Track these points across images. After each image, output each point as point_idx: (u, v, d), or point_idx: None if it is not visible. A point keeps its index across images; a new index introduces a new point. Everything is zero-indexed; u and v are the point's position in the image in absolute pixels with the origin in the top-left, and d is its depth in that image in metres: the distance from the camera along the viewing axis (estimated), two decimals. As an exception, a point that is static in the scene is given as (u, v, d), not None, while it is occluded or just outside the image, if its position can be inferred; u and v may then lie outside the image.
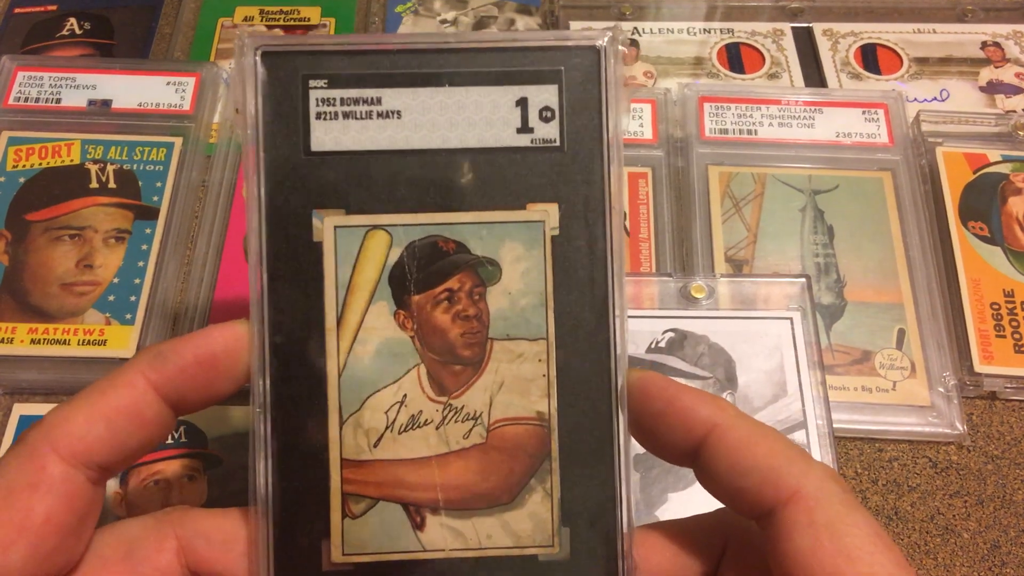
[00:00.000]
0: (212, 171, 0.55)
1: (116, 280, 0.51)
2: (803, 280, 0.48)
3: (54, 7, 0.65)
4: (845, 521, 0.23)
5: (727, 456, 0.25)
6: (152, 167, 0.55)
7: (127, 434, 0.25)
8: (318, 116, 0.27)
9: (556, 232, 0.27)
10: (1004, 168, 0.55)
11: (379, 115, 0.27)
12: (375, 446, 0.27)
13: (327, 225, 0.27)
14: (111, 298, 0.50)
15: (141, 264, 0.51)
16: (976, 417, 0.48)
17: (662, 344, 0.47)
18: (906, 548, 0.44)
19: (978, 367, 0.48)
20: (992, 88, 0.61)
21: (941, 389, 0.48)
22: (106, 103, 0.57)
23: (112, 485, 0.45)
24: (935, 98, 0.61)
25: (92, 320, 0.50)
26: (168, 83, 0.58)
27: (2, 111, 0.57)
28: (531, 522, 0.27)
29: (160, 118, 0.57)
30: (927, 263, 0.51)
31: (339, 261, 0.27)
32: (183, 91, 0.58)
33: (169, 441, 0.46)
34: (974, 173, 0.55)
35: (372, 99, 0.27)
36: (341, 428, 0.27)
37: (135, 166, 0.55)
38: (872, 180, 0.55)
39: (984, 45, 0.63)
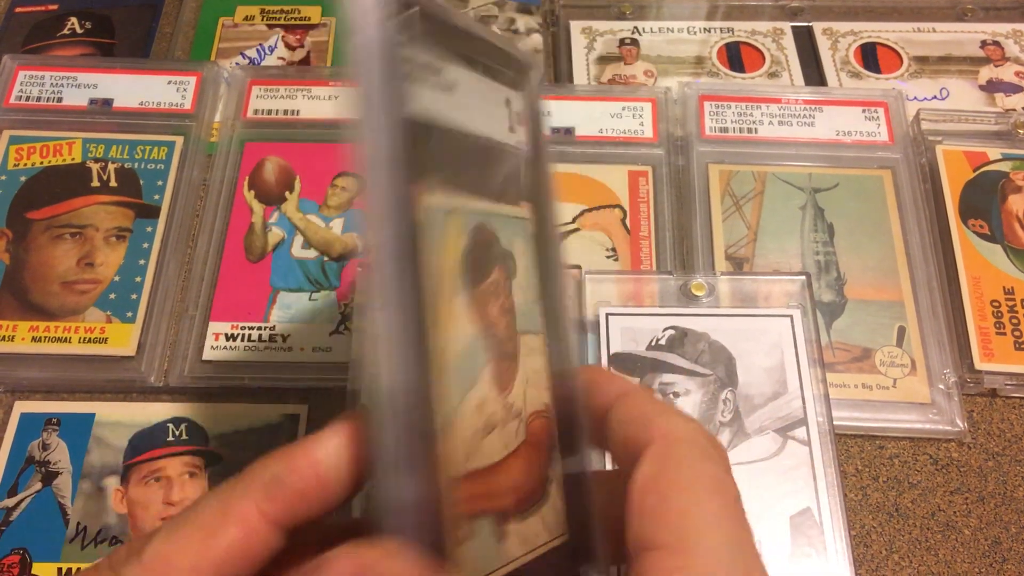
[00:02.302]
0: (213, 170, 0.55)
1: (117, 278, 0.51)
2: (803, 278, 0.48)
3: (55, 6, 0.65)
4: (695, 463, 0.23)
5: (621, 411, 0.26)
6: (153, 166, 0.55)
7: (333, 486, 0.23)
8: (414, 68, 0.23)
9: (532, 230, 0.28)
10: (1004, 166, 0.55)
11: (445, 85, 0.24)
12: (469, 458, 0.24)
13: (430, 196, 0.23)
14: (112, 296, 0.50)
15: (142, 262, 0.51)
16: (976, 414, 0.48)
17: (662, 341, 0.47)
18: (907, 544, 0.45)
19: (978, 364, 0.48)
20: (992, 87, 0.61)
21: (941, 386, 0.48)
22: (107, 102, 0.57)
23: (113, 482, 0.45)
24: (935, 97, 0.61)
25: (93, 318, 0.50)
26: (169, 82, 0.58)
27: (3, 110, 0.57)
28: (553, 513, 0.27)
29: (161, 117, 0.57)
30: (927, 261, 0.51)
31: (435, 240, 0.23)
32: (184, 90, 0.58)
33: (170, 439, 0.46)
34: (974, 171, 0.55)
35: (436, 69, 0.24)
36: (445, 438, 0.23)
37: (136, 165, 0.55)
38: (872, 178, 0.55)
39: (984, 44, 0.63)
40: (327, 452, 0.23)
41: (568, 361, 0.28)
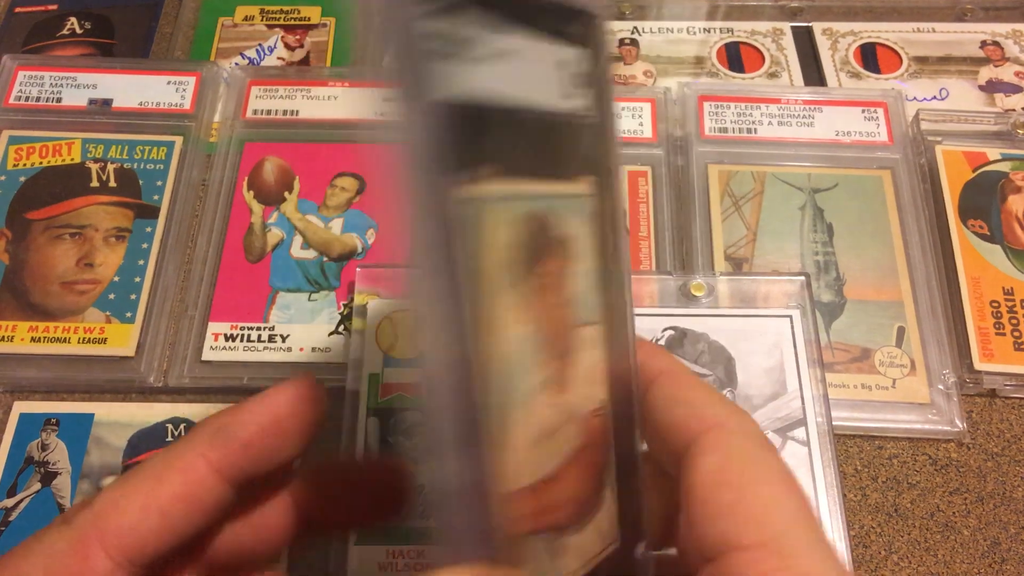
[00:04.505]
0: (212, 170, 0.55)
1: (116, 278, 0.51)
2: (802, 278, 0.48)
3: (55, 6, 0.65)
4: (761, 456, 0.23)
5: (665, 389, 0.25)
6: (152, 166, 0.55)
7: (183, 523, 0.23)
8: (444, 47, 0.20)
9: (594, 207, 0.25)
10: (1003, 166, 0.55)
11: (486, 57, 0.21)
12: (524, 470, 0.22)
13: (478, 186, 0.20)
14: (111, 296, 0.50)
15: (141, 263, 0.51)
16: (976, 414, 0.48)
17: (662, 342, 0.47)
18: (906, 545, 0.44)
19: (978, 364, 0.48)
20: (991, 87, 0.61)
21: (941, 387, 0.48)
22: (107, 102, 0.57)
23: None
24: (934, 97, 0.61)
25: (92, 318, 0.50)
26: (168, 82, 0.58)
27: (3, 110, 0.57)
28: (608, 519, 0.25)
29: (160, 117, 0.57)
30: (927, 261, 0.51)
31: (482, 231, 0.21)
32: (183, 90, 0.58)
33: (169, 439, 0.46)
34: (973, 171, 0.55)
35: (476, 39, 0.21)
36: (499, 457, 0.21)
37: (135, 165, 0.55)
38: (872, 178, 0.55)
39: (983, 44, 0.63)
40: (272, 407, 0.24)
41: (627, 347, 0.26)
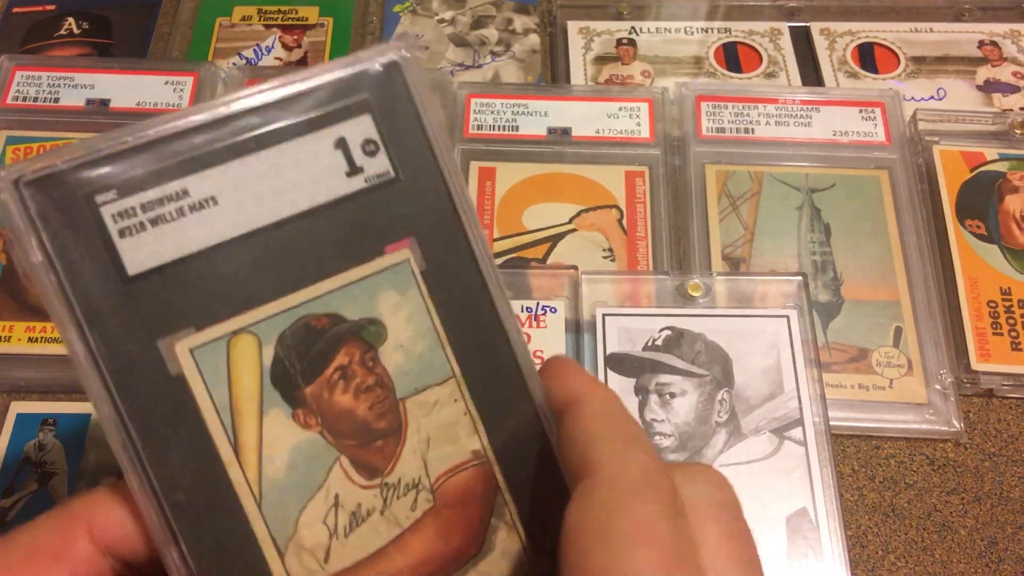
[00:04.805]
0: (210, 170, 0.55)
1: (114, 279, 0.51)
2: (800, 278, 0.48)
3: (52, 7, 0.65)
4: (625, 506, 0.21)
5: (565, 425, 0.24)
6: (150, 166, 0.55)
7: None
8: (122, 234, 0.22)
9: (423, 266, 0.25)
10: (1001, 166, 0.55)
11: (192, 208, 0.23)
12: (326, 561, 0.24)
13: (180, 352, 0.23)
14: (109, 297, 0.50)
15: (139, 263, 0.51)
16: (973, 414, 0.48)
17: (659, 342, 0.47)
18: (903, 545, 0.45)
19: (975, 364, 0.48)
20: (989, 87, 0.61)
21: (938, 387, 0.48)
22: (104, 103, 0.57)
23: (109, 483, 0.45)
24: (932, 97, 0.61)
25: (90, 318, 0.50)
26: (166, 83, 0.58)
27: (1, 111, 0.57)
28: (506, 560, 0.26)
29: (158, 117, 0.57)
30: (924, 261, 0.51)
31: (210, 385, 0.23)
32: (181, 91, 0.58)
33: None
34: (971, 171, 0.55)
35: (177, 193, 0.23)
36: (283, 561, 0.24)
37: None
38: (869, 178, 0.55)
39: (981, 44, 0.63)
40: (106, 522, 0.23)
41: (515, 383, 0.26)
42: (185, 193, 0.23)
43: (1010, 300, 0.50)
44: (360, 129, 0.24)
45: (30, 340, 0.49)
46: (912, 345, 0.49)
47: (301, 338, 0.24)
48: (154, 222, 0.23)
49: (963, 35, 0.64)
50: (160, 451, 0.23)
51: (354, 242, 0.24)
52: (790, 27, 0.65)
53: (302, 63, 0.62)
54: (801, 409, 0.45)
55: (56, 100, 0.57)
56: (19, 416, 0.47)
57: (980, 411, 0.49)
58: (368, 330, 0.25)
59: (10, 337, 0.49)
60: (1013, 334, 0.49)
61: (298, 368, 0.24)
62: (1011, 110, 0.59)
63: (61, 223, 0.22)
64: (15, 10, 0.65)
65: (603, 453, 0.23)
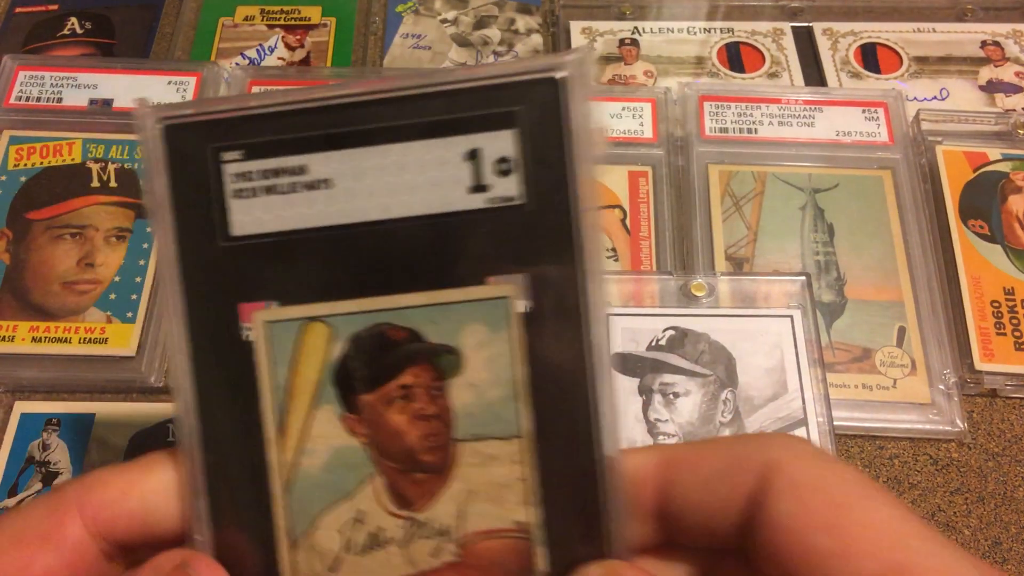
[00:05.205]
0: (213, 170, 0.55)
1: (117, 278, 0.51)
2: (803, 278, 0.48)
3: (55, 7, 0.65)
4: (826, 475, 0.21)
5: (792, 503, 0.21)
6: (153, 166, 0.55)
7: (160, 515, 0.23)
8: (236, 194, 0.23)
9: (526, 309, 0.23)
10: (1004, 166, 0.55)
11: (306, 186, 0.23)
12: (332, 571, 0.24)
13: (257, 321, 0.23)
14: (112, 296, 0.50)
15: (142, 263, 0.51)
16: (976, 414, 0.48)
17: (662, 342, 0.47)
18: (907, 545, 0.44)
19: (978, 364, 0.48)
20: (992, 87, 0.61)
21: (941, 387, 0.48)
22: (107, 102, 0.57)
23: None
24: (935, 97, 0.61)
25: (93, 318, 0.50)
26: (169, 82, 0.58)
27: (4, 110, 0.57)
28: None
29: (161, 117, 0.57)
30: (927, 261, 0.51)
31: (275, 361, 0.23)
32: (184, 90, 0.58)
33: (170, 439, 0.46)
34: (974, 171, 0.55)
35: (296, 168, 0.23)
36: (291, 552, 0.23)
37: (136, 165, 0.55)
38: (872, 179, 0.55)
39: (984, 44, 0.63)
40: (146, 487, 0.24)
41: (588, 466, 0.23)
42: (304, 170, 0.23)
43: (1013, 300, 0.50)
44: (499, 144, 0.23)
45: (34, 340, 0.49)
46: (916, 345, 0.49)
47: (373, 344, 0.23)
48: (268, 190, 0.23)
49: (966, 35, 0.64)
50: (211, 410, 0.23)
51: (456, 263, 0.23)
52: (793, 27, 0.65)
53: (305, 63, 0.62)
54: (805, 409, 0.45)
55: (59, 100, 0.57)
56: (23, 416, 0.47)
57: (983, 411, 0.49)
58: (444, 358, 0.23)
59: (14, 337, 0.49)
60: (1016, 334, 0.49)
61: (362, 373, 0.23)
62: (1014, 110, 0.59)
63: (187, 170, 0.23)
64: (18, 10, 0.65)
65: (761, 447, 0.22)
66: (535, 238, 0.23)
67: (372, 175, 0.23)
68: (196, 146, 0.23)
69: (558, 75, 0.22)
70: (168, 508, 0.24)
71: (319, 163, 0.23)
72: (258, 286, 0.23)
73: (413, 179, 0.23)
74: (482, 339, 0.23)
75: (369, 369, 0.23)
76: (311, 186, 0.23)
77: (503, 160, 0.23)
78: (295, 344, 0.23)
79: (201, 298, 0.23)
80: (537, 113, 0.22)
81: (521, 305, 0.23)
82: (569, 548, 0.23)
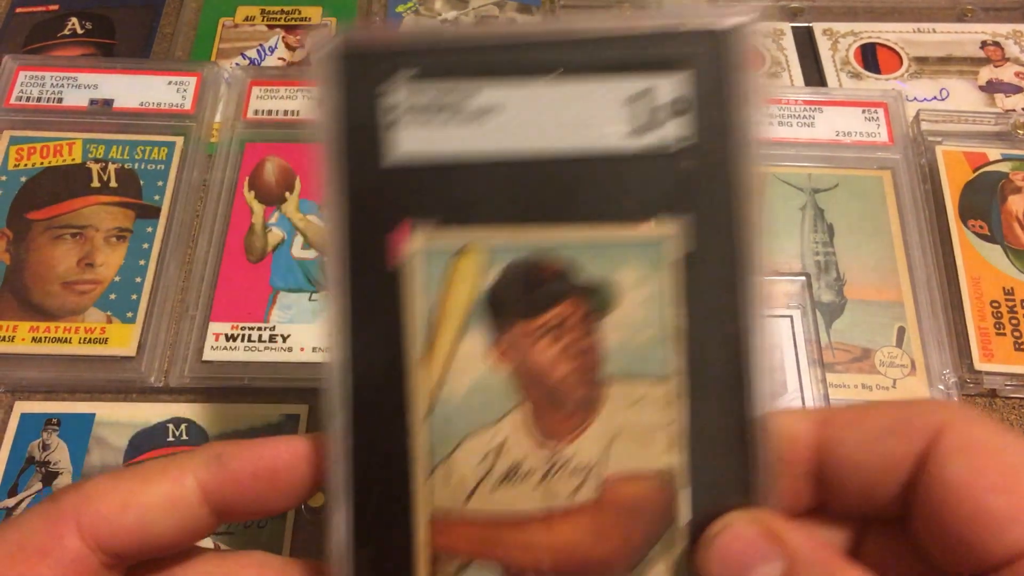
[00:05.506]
0: (213, 170, 0.55)
1: (117, 279, 0.51)
2: (803, 278, 0.48)
3: (56, 7, 0.65)
4: (999, 439, 0.21)
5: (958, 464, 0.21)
6: (153, 166, 0.55)
7: (159, 529, 0.24)
8: (406, 113, 0.23)
9: (687, 251, 0.23)
10: (1004, 167, 0.55)
11: (474, 114, 0.23)
12: (469, 498, 0.23)
13: (414, 240, 0.23)
14: (112, 297, 0.50)
15: (142, 263, 0.51)
16: (976, 415, 0.48)
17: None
18: (906, 545, 0.44)
19: (978, 365, 0.48)
20: (992, 87, 0.61)
21: (941, 387, 0.48)
22: (107, 103, 0.58)
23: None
24: (935, 97, 0.61)
25: (93, 319, 0.50)
26: (169, 83, 0.58)
27: (4, 110, 0.57)
28: None
29: (161, 117, 0.57)
30: (927, 261, 0.51)
31: (428, 282, 0.23)
32: (184, 91, 0.58)
33: (170, 439, 0.46)
34: (974, 172, 0.55)
35: (466, 93, 0.23)
36: (430, 476, 0.23)
37: (136, 165, 0.55)
38: (872, 179, 0.55)
39: (984, 44, 0.63)
40: (271, 456, 0.24)
41: (743, 418, 0.23)
42: (472, 95, 0.23)
43: (1013, 300, 0.50)
44: (675, 86, 0.23)
45: (34, 340, 0.49)
46: (915, 345, 0.49)
47: (531, 273, 0.23)
48: (439, 110, 0.23)
49: (966, 35, 0.64)
50: (361, 325, 0.23)
51: (620, 200, 0.23)
52: (793, 27, 0.65)
53: (305, 64, 0.62)
54: (804, 409, 0.45)
55: (60, 100, 0.57)
56: (23, 416, 0.47)
57: (983, 411, 0.49)
58: (600, 294, 0.23)
59: (14, 337, 0.49)
60: (1016, 334, 0.49)
61: (515, 302, 0.23)
62: (1014, 110, 0.59)
63: (357, 93, 0.23)
64: (18, 10, 0.65)
65: (931, 411, 0.22)
66: (702, 181, 0.23)
67: (542, 108, 0.23)
68: (371, 73, 0.23)
69: (744, 20, 0.23)
70: (167, 522, 0.24)
71: (490, 91, 0.23)
72: (419, 209, 0.23)
73: (584, 115, 0.23)
74: (639, 279, 0.23)
75: (523, 299, 0.23)
76: (479, 114, 0.23)
77: (680, 100, 0.23)
78: (449, 269, 0.23)
79: (362, 216, 0.23)
80: (715, 58, 0.23)
81: (681, 248, 0.23)
82: (715, 497, 0.23)
